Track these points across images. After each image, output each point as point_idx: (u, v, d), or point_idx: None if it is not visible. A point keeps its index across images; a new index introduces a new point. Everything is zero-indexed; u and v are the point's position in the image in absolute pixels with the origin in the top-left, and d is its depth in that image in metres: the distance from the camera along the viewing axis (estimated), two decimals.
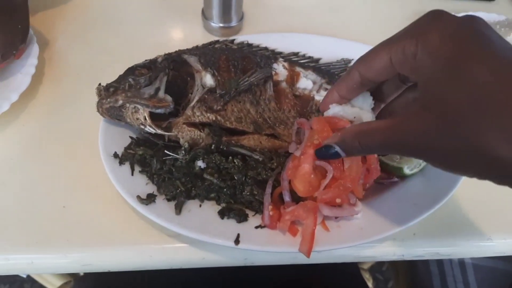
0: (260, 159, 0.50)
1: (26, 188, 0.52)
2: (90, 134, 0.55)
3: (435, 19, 0.33)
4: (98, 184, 0.52)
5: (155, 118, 0.51)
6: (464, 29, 0.32)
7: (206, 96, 0.53)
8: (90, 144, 0.54)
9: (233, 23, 0.71)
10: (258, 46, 0.63)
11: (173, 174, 0.50)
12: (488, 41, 0.31)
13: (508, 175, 0.29)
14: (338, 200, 0.46)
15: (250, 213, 0.48)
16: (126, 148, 0.51)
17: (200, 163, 0.50)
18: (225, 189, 0.49)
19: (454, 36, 0.31)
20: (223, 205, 0.49)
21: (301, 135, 0.49)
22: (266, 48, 0.63)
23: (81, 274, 0.88)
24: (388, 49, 0.36)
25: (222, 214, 0.47)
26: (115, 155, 0.50)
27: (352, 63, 0.44)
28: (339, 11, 0.80)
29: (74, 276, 0.92)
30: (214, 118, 0.52)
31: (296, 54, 0.63)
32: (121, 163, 0.50)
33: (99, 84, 0.53)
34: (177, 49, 0.59)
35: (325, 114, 0.44)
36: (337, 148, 0.39)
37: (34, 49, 0.63)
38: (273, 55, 0.61)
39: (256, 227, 0.47)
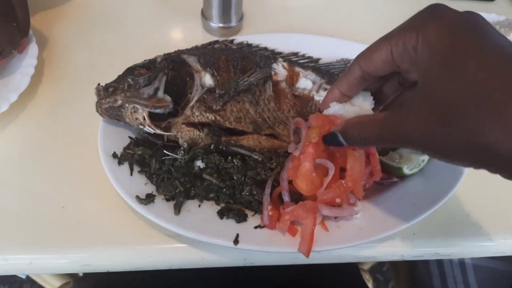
0: (260, 159, 0.50)
1: (25, 188, 0.52)
2: (89, 134, 0.55)
3: (435, 13, 0.34)
4: (97, 184, 0.52)
5: (154, 118, 0.51)
6: (462, 24, 0.32)
7: (205, 96, 0.53)
8: (89, 144, 0.54)
9: (233, 23, 0.71)
10: (257, 46, 0.63)
11: (172, 174, 0.49)
12: (485, 37, 0.31)
13: (500, 163, 0.30)
14: (337, 200, 0.46)
15: (249, 213, 0.48)
16: (125, 148, 0.51)
17: (199, 163, 0.50)
18: (224, 189, 0.49)
19: (452, 31, 0.32)
20: (222, 205, 0.48)
21: (299, 134, 0.49)
22: (265, 48, 0.63)
23: (81, 274, 0.88)
24: (389, 42, 0.36)
25: (221, 214, 0.47)
26: (114, 155, 0.50)
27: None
28: (339, 11, 0.80)
29: (73, 276, 0.92)
30: (213, 118, 0.52)
31: (295, 54, 0.63)
32: (120, 163, 0.50)
33: (98, 84, 0.53)
34: (176, 49, 0.59)
35: (325, 112, 0.44)
36: (340, 137, 0.41)
37: (34, 49, 0.63)
38: (272, 55, 0.61)
39: (256, 227, 0.47)
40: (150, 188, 0.49)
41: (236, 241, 0.45)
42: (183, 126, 0.51)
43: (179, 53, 0.57)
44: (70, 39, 0.70)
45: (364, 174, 0.46)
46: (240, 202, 0.49)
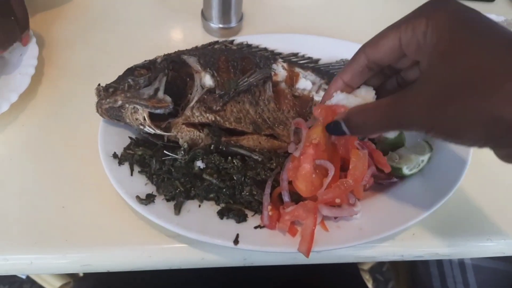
0: (259, 159, 0.50)
1: (25, 188, 0.52)
2: (90, 134, 0.55)
3: (442, 3, 0.35)
4: (98, 184, 0.52)
5: (154, 118, 0.51)
6: (469, 12, 0.34)
7: (205, 96, 0.53)
8: (89, 144, 0.54)
9: (233, 24, 0.71)
10: (257, 47, 0.63)
11: (172, 174, 0.50)
12: (491, 24, 0.33)
13: (503, 136, 0.31)
14: (337, 200, 0.46)
15: (249, 213, 0.48)
16: (125, 149, 0.51)
17: (200, 163, 0.50)
18: (224, 189, 0.49)
19: (460, 17, 0.33)
20: (222, 205, 0.48)
21: (299, 134, 0.49)
22: (265, 49, 0.63)
23: (81, 274, 0.88)
24: (397, 29, 0.37)
25: (221, 214, 0.47)
26: (115, 156, 0.51)
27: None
28: (339, 11, 0.80)
29: (73, 276, 0.92)
30: (213, 119, 0.52)
31: (295, 54, 0.63)
32: (120, 163, 0.50)
33: (99, 84, 0.53)
34: (176, 50, 0.59)
35: (328, 102, 0.44)
36: (343, 125, 0.40)
37: (34, 50, 0.63)
38: (272, 56, 0.61)
39: (255, 227, 0.47)
40: (150, 188, 0.49)
41: (236, 241, 0.45)
42: (183, 126, 0.51)
43: (179, 53, 0.57)
44: (70, 39, 0.70)
45: (366, 175, 0.46)
46: (240, 202, 0.49)
